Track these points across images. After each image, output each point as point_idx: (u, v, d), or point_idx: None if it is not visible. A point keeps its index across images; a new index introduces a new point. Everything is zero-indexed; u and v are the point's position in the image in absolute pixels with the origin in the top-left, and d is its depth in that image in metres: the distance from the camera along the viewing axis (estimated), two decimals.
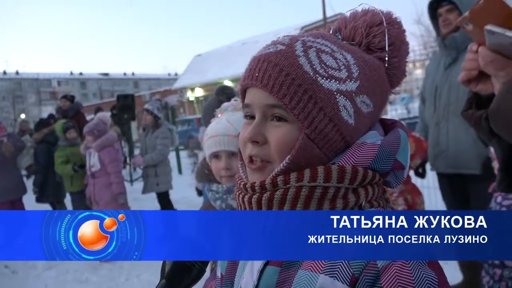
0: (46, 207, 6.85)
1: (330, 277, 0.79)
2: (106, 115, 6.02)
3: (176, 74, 71.26)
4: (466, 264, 3.36)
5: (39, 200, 6.80)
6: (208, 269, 0.99)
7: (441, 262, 0.80)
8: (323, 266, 0.80)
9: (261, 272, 0.89)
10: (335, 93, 0.84)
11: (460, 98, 3.09)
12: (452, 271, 3.56)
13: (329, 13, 20.97)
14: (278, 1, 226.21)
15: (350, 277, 0.78)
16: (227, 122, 1.80)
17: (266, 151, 0.88)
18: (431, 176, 4.10)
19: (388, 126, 0.94)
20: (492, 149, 2.42)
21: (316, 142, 0.84)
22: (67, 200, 6.73)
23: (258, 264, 0.90)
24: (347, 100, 0.85)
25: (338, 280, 0.78)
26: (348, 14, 0.98)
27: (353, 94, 0.85)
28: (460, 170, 3.21)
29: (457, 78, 3.20)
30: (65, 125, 6.11)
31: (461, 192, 3.29)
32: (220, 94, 3.89)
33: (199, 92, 31.59)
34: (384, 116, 0.96)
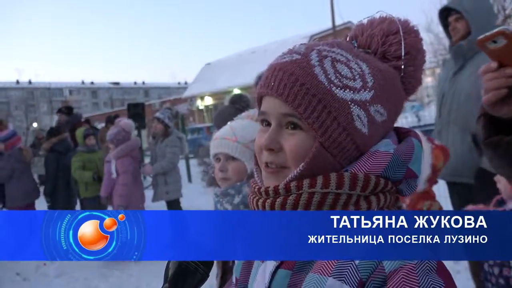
0: None
1: (339, 280, 0.79)
2: (128, 123, 6.03)
3: (186, 83, 71.77)
4: (479, 274, 3.32)
5: (50, 208, 6.86)
6: (213, 273, 0.99)
7: (453, 272, 0.80)
8: (332, 269, 0.81)
9: (273, 275, 0.89)
10: (349, 102, 0.85)
11: (460, 106, 3.13)
12: (464, 280, 3.51)
13: (338, 22, 21.03)
14: (288, 10, 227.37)
15: (357, 282, 0.78)
16: (229, 127, 1.84)
17: (281, 158, 0.89)
18: (442, 185, 4.06)
19: (402, 134, 0.94)
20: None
21: (330, 150, 0.85)
22: (77, 208, 6.77)
23: (270, 267, 0.90)
24: (361, 110, 0.85)
25: (346, 284, 0.78)
26: (365, 21, 0.98)
27: (367, 104, 0.86)
28: (456, 178, 3.24)
29: (461, 87, 3.19)
30: (85, 132, 6.42)
31: (466, 200, 3.27)
32: (238, 102, 3.89)
33: (209, 101, 31.71)
34: (394, 124, 0.95)
